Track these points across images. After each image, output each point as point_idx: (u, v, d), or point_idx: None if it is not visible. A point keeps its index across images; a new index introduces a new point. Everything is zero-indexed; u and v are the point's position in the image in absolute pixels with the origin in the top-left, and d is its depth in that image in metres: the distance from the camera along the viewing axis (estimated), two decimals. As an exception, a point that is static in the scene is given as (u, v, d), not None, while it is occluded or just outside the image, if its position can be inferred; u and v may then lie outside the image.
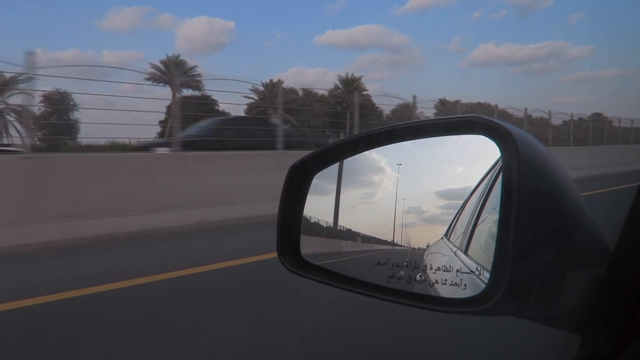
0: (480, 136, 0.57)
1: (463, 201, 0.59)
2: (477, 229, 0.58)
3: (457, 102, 16.35)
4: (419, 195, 0.64)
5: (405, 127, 0.66)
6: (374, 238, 0.66)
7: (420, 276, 0.59)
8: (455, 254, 0.59)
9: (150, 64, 36.51)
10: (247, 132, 10.62)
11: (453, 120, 0.60)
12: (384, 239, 0.65)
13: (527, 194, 0.50)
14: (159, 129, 17.96)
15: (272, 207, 0.85)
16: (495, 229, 0.52)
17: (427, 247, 0.60)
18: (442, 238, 0.60)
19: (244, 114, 18.50)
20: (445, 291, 0.57)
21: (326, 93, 30.18)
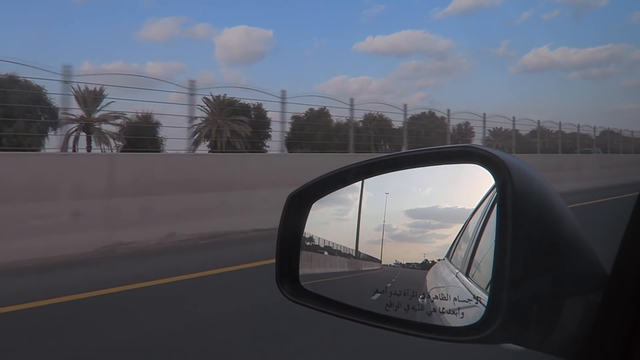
0: (474, 165, 0.58)
1: (463, 223, 0.60)
2: (477, 252, 0.59)
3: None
4: (403, 215, 0.66)
5: (402, 156, 0.67)
6: (373, 258, 0.67)
7: (419, 304, 0.60)
8: (456, 276, 0.59)
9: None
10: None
11: (447, 150, 0.61)
12: (380, 259, 0.66)
13: (522, 221, 0.50)
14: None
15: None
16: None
17: (428, 265, 0.61)
18: (443, 259, 0.61)
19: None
20: (444, 319, 0.57)
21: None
